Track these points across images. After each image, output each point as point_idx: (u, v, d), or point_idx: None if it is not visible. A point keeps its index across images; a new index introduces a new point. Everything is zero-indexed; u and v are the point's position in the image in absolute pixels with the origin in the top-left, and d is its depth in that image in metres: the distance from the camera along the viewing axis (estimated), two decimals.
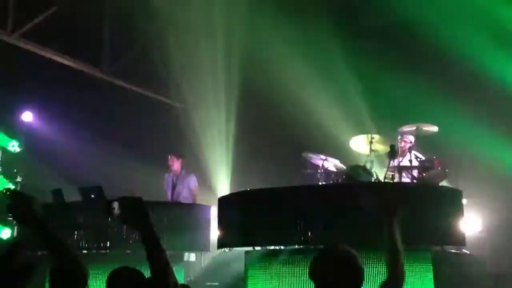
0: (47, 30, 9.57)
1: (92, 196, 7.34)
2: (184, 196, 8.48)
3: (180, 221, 7.06)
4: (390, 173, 7.60)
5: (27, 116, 9.53)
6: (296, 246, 5.78)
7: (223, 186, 10.80)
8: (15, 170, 9.21)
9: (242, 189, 7.17)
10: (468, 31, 8.59)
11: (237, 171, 11.00)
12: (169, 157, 8.66)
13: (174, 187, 8.52)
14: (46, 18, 9.59)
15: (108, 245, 6.71)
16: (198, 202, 8.44)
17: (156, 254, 2.31)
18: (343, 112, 9.98)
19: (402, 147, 7.92)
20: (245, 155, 10.84)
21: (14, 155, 9.21)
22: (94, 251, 6.75)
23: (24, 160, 9.21)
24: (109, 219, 2.35)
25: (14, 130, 9.36)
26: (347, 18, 10.11)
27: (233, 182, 10.85)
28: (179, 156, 8.70)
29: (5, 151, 9.21)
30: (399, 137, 7.96)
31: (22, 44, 9.52)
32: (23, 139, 9.37)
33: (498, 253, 7.82)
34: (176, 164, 8.62)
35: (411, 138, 7.86)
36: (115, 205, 2.31)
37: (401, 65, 9.59)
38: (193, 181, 8.62)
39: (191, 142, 10.72)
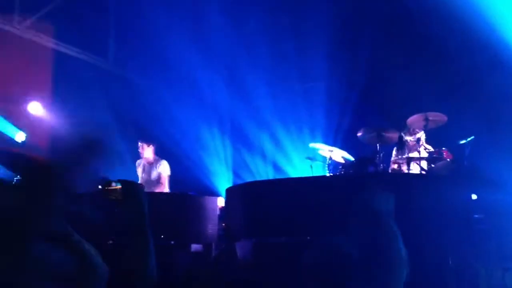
0: (53, 21, 9.55)
1: (99, 187, 7.34)
2: (153, 183, 8.29)
3: (187, 212, 7.05)
4: (398, 164, 7.55)
5: (34, 107, 9.53)
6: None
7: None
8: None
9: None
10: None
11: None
12: (140, 144, 8.44)
13: (146, 174, 8.37)
14: (54, 8, 9.56)
15: None
16: (168, 190, 8.30)
17: (139, 241, 2.30)
18: (350, 103, 9.93)
19: (408, 138, 7.86)
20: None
21: (19, 145, 9.20)
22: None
23: (27, 150, 9.21)
24: (104, 195, 2.33)
25: (20, 120, 9.36)
26: (354, 6, 10.00)
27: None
28: (150, 142, 8.48)
29: (10, 141, 9.20)
30: (406, 128, 7.90)
31: (29, 35, 9.50)
32: (29, 129, 9.37)
33: None
34: (147, 152, 8.40)
35: (417, 130, 7.79)
36: (116, 184, 2.33)
37: (409, 55, 9.52)
38: (165, 167, 8.37)
39: None
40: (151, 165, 8.45)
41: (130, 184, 2.37)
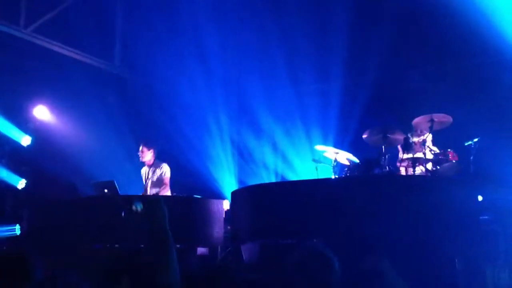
0: (60, 25, 9.59)
1: (106, 190, 7.37)
2: (154, 186, 8.29)
3: (193, 215, 7.06)
4: (404, 166, 7.53)
5: (40, 111, 9.56)
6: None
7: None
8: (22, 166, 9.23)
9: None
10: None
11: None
12: (140, 148, 8.42)
13: (147, 177, 8.39)
14: (60, 13, 9.61)
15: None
16: (169, 192, 8.29)
17: (162, 251, 2.39)
18: (356, 105, 9.92)
19: (413, 139, 7.83)
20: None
21: (24, 149, 9.23)
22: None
23: (33, 155, 9.23)
24: (127, 214, 2.43)
25: (26, 124, 9.39)
26: (363, 6, 9.98)
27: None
28: (150, 146, 8.45)
29: (15, 145, 9.23)
30: (411, 130, 7.88)
31: (35, 40, 9.54)
32: (35, 133, 9.39)
33: None
34: (147, 155, 8.39)
35: (425, 131, 7.76)
36: (138, 204, 2.41)
37: (416, 56, 9.51)
38: (166, 169, 8.36)
39: None
40: (151, 168, 8.45)
41: (150, 201, 2.47)
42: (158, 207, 2.49)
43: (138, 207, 2.43)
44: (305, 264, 2.75)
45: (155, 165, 8.43)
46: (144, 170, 8.56)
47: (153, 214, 2.47)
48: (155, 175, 8.39)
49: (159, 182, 8.33)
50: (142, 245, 6.43)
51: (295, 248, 2.70)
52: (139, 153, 8.42)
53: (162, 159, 8.55)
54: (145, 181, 8.45)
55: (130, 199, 2.47)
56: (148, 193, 8.25)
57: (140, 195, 2.42)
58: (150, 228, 2.45)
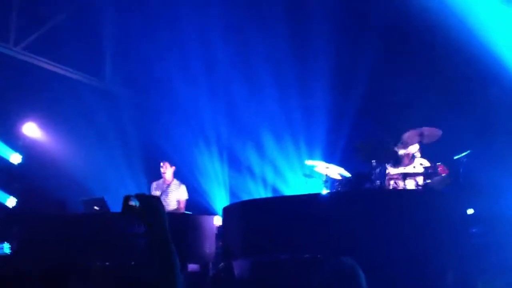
0: (50, 42, 9.59)
1: (96, 207, 7.33)
2: (171, 206, 8.42)
3: (184, 232, 7.03)
4: (394, 180, 7.55)
5: (29, 128, 9.52)
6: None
7: None
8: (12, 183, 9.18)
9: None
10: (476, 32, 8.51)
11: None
12: (162, 164, 8.62)
13: (162, 195, 8.46)
14: (50, 30, 9.61)
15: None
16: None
17: (163, 254, 2.31)
18: (347, 121, 9.95)
19: (404, 154, 7.86)
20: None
21: (14, 167, 9.18)
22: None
23: (23, 172, 9.18)
24: (124, 214, 2.35)
25: (16, 141, 9.35)
26: (349, 20, 10.05)
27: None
28: (172, 163, 8.69)
29: (4, 162, 9.17)
30: (402, 143, 7.90)
31: (25, 57, 9.53)
32: (24, 151, 9.35)
33: None
34: (168, 172, 8.59)
35: (413, 148, 7.79)
36: (134, 200, 2.33)
37: (405, 69, 9.57)
38: (184, 192, 8.60)
39: None
40: (169, 186, 8.52)
41: (148, 198, 2.39)
42: (158, 204, 2.41)
43: (135, 203, 2.35)
44: (331, 283, 2.65)
45: (173, 183, 8.61)
46: (158, 185, 8.67)
47: (153, 211, 2.38)
48: (171, 193, 8.52)
49: (173, 203, 8.47)
50: (133, 262, 6.43)
51: (321, 263, 2.60)
52: (162, 168, 8.62)
53: (156, 176, 8.60)
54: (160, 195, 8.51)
55: (126, 197, 2.38)
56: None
57: (137, 193, 2.37)
58: (150, 229, 2.35)
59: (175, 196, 8.49)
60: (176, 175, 8.78)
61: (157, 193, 8.64)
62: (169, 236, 2.37)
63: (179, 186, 8.59)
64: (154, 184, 8.77)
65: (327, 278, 2.67)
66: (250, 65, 10.51)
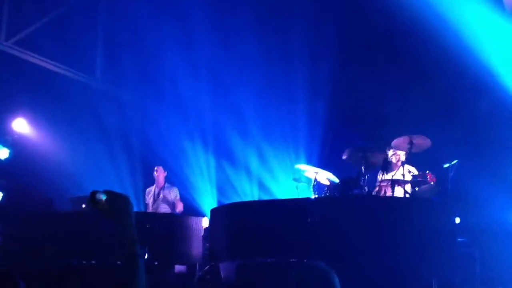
0: (41, 38, 9.53)
1: (83, 206, 7.30)
2: (164, 208, 8.50)
3: (171, 232, 7.02)
4: (383, 187, 7.58)
5: (19, 124, 9.46)
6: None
7: None
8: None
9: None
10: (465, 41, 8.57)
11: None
12: (156, 168, 8.78)
13: (155, 199, 8.53)
14: (42, 26, 9.56)
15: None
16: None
17: (129, 256, 2.31)
18: (336, 125, 9.99)
19: (392, 161, 7.90)
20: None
21: (1, 162, 9.10)
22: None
23: (11, 168, 9.10)
24: (91, 208, 2.32)
25: (5, 137, 9.27)
26: (339, 28, 10.09)
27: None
28: (165, 168, 8.86)
29: None
30: (391, 150, 7.93)
31: (16, 52, 9.47)
32: (13, 146, 9.28)
33: None
34: (161, 176, 8.73)
35: (402, 153, 7.83)
36: (102, 195, 2.31)
37: (395, 77, 9.62)
38: (176, 194, 8.72)
39: None
40: (161, 190, 8.64)
41: (116, 195, 2.36)
42: (126, 203, 2.37)
43: (102, 197, 2.32)
44: (304, 285, 2.65)
45: (165, 187, 8.74)
46: (152, 190, 8.81)
47: (120, 209, 2.35)
48: (165, 196, 8.63)
49: (169, 203, 8.59)
50: (119, 262, 6.41)
51: (294, 266, 2.61)
52: (156, 172, 8.77)
53: (146, 175, 8.74)
54: (152, 200, 8.64)
55: (93, 191, 2.35)
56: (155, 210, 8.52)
57: (105, 189, 2.35)
58: (116, 226, 2.32)
59: (169, 198, 8.55)
60: (166, 178, 8.89)
61: (149, 197, 8.73)
62: (135, 236, 2.35)
63: (171, 188, 8.74)
64: (147, 191, 8.91)
65: (295, 282, 2.68)
66: (245, 70, 10.53)
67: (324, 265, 2.67)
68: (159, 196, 8.62)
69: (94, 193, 2.30)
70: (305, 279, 2.66)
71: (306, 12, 9.82)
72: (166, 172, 8.84)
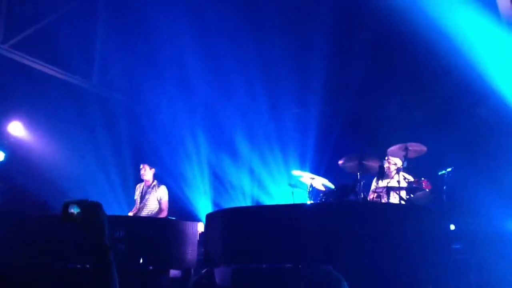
0: (38, 41, 9.53)
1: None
2: (151, 207, 8.41)
3: (166, 237, 7.00)
4: (378, 194, 7.59)
5: (15, 127, 9.43)
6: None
7: None
8: None
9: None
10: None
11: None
12: (142, 166, 8.61)
13: (143, 197, 8.47)
14: (40, 29, 9.55)
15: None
16: (166, 215, 8.40)
17: (102, 262, 2.28)
18: (333, 131, 10.01)
19: (388, 168, 7.92)
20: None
21: None
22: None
23: (6, 171, 9.08)
24: (63, 221, 2.28)
25: (0, 140, 9.25)
26: (341, 35, 10.11)
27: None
28: (152, 165, 8.64)
29: None
30: (386, 158, 7.96)
31: (13, 55, 9.46)
32: (9, 149, 9.25)
33: None
34: (148, 174, 8.56)
35: (397, 160, 7.85)
36: (74, 207, 2.28)
37: (392, 84, 9.65)
38: (164, 193, 8.54)
39: None
40: (148, 188, 8.51)
41: (88, 204, 2.33)
42: (96, 212, 2.34)
43: (74, 210, 2.29)
44: None
45: (153, 185, 8.56)
46: (140, 187, 8.66)
47: (91, 221, 2.32)
48: (151, 195, 8.49)
49: (154, 204, 8.45)
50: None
51: (303, 272, 2.60)
52: (141, 170, 8.60)
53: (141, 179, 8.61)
54: (140, 198, 8.52)
55: (65, 203, 2.31)
56: (141, 210, 8.39)
57: (78, 199, 2.28)
58: (90, 235, 2.30)
59: (155, 196, 8.47)
60: (158, 177, 8.72)
61: (137, 193, 8.65)
62: (107, 243, 2.32)
63: (159, 187, 8.55)
64: (137, 187, 8.78)
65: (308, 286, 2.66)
66: (241, 75, 10.53)
67: (331, 269, 2.66)
68: (146, 194, 8.48)
69: (66, 205, 2.26)
70: (319, 284, 2.64)
71: (314, 17, 9.85)
72: (154, 169, 8.63)
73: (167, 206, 8.53)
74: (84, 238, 2.31)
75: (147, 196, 8.47)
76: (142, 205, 8.41)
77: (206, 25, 10.22)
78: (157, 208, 8.44)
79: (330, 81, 9.99)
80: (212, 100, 11.14)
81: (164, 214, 8.40)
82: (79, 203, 2.29)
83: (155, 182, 8.60)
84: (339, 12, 9.58)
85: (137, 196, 8.65)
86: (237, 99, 10.74)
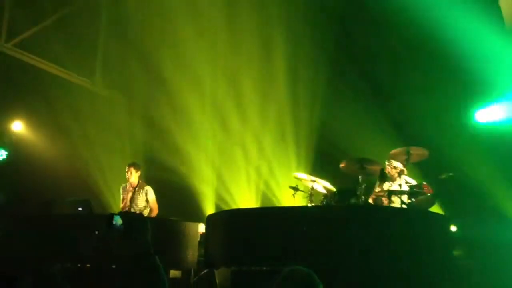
0: (42, 40, 9.55)
1: (80, 209, 7.29)
2: (140, 208, 8.39)
3: (167, 238, 7.00)
4: (380, 197, 7.58)
5: (17, 126, 9.46)
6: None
7: None
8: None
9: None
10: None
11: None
12: (127, 169, 8.55)
13: (132, 199, 8.44)
14: (42, 28, 9.58)
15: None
16: (157, 213, 8.41)
17: (147, 267, 2.33)
18: (335, 134, 10.00)
19: (389, 171, 7.90)
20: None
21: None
22: None
23: (9, 169, 9.10)
24: (109, 231, 2.36)
25: (3, 139, 9.28)
26: (336, 39, 10.12)
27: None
28: (138, 168, 8.60)
29: None
30: (387, 161, 7.95)
31: (16, 54, 9.48)
32: (11, 148, 9.27)
33: None
34: (134, 176, 8.52)
35: (398, 164, 7.83)
36: (117, 218, 2.34)
37: (393, 87, 9.66)
38: (150, 193, 8.52)
39: None
40: (135, 189, 8.46)
41: (130, 216, 2.41)
42: (141, 220, 2.42)
43: (118, 222, 2.36)
44: None
45: (139, 186, 8.53)
46: (126, 190, 8.62)
47: (137, 231, 2.40)
48: (138, 196, 8.47)
49: (142, 204, 8.43)
50: (114, 266, 6.39)
51: (277, 272, 2.61)
52: (127, 173, 8.55)
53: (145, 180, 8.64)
54: (128, 201, 8.49)
55: (109, 215, 2.38)
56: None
57: (121, 212, 2.37)
58: (131, 245, 2.37)
59: (143, 197, 8.46)
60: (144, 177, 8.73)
61: (123, 194, 8.63)
62: (151, 249, 2.40)
63: (145, 187, 8.53)
64: (121, 188, 8.72)
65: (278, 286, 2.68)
66: (241, 74, 10.54)
67: (306, 269, 2.68)
68: (134, 195, 8.42)
69: (111, 217, 2.33)
70: (288, 283, 2.66)
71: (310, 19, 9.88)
72: (139, 172, 8.55)
73: (156, 205, 8.50)
74: (128, 247, 2.38)
75: (136, 198, 8.44)
76: (130, 207, 8.37)
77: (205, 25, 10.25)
78: (146, 208, 8.43)
79: (334, 86, 10.00)
80: (214, 96, 11.12)
81: (155, 213, 8.38)
82: (121, 215, 2.37)
83: (140, 182, 8.55)
84: (337, 15, 9.64)
85: (123, 196, 8.60)
86: (241, 98, 10.71)
